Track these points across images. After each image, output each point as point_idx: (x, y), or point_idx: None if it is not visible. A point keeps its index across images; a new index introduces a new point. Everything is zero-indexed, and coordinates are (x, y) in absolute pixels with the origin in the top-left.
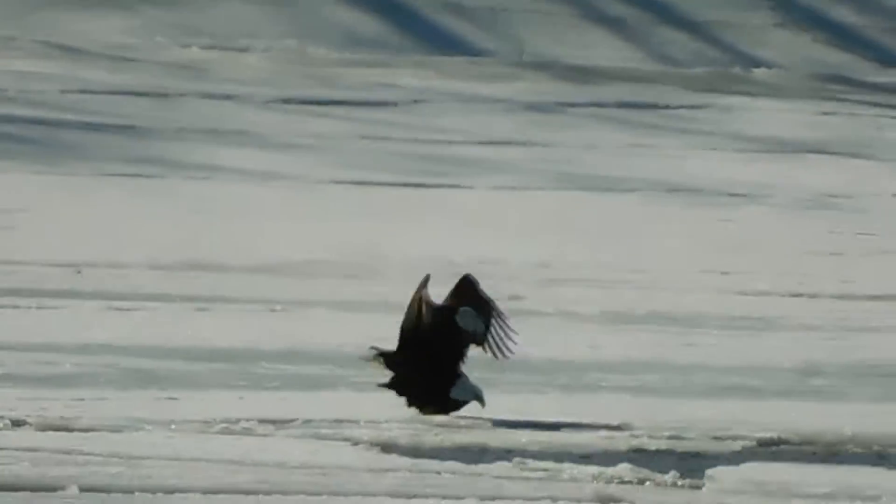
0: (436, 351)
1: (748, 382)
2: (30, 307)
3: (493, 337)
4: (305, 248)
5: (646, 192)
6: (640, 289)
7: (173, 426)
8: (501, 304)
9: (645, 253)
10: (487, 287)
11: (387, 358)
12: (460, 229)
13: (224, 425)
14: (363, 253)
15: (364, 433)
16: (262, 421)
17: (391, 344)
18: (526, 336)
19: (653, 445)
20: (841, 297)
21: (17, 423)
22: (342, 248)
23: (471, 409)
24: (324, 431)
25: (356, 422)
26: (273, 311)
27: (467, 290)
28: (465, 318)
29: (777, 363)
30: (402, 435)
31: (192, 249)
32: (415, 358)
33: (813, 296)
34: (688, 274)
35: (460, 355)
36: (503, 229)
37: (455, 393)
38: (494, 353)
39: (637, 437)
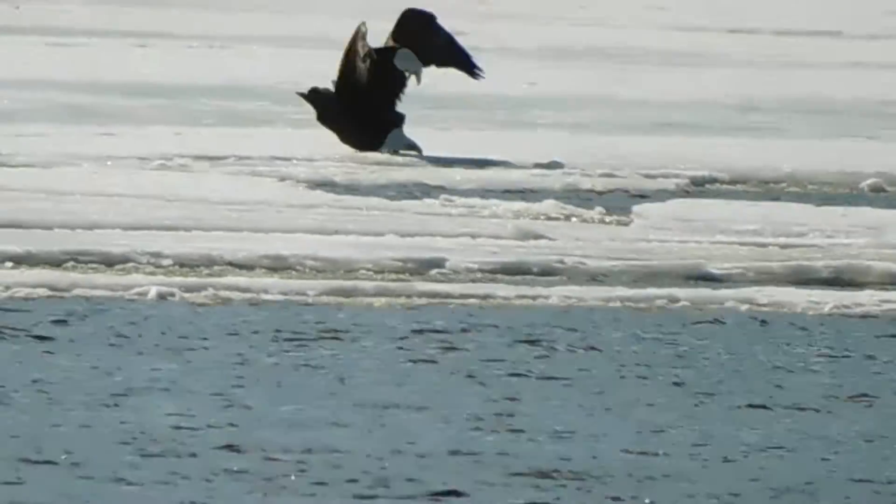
0: (372, 94)
1: (685, 119)
2: None
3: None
4: None
5: None
6: (579, 25)
7: (109, 162)
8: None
9: None
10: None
11: (319, 99)
12: None
13: (160, 161)
14: None
15: (299, 170)
16: (197, 157)
17: (328, 82)
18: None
19: (584, 183)
20: (779, 33)
21: None
22: None
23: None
24: (259, 168)
25: (290, 159)
26: (211, 47)
27: (412, 28)
28: (403, 59)
29: (715, 99)
30: (337, 172)
31: None
32: (351, 102)
33: (751, 31)
34: (626, 9)
35: (396, 95)
36: None
37: (387, 146)
38: (472, 74)
39: (570, 174)
